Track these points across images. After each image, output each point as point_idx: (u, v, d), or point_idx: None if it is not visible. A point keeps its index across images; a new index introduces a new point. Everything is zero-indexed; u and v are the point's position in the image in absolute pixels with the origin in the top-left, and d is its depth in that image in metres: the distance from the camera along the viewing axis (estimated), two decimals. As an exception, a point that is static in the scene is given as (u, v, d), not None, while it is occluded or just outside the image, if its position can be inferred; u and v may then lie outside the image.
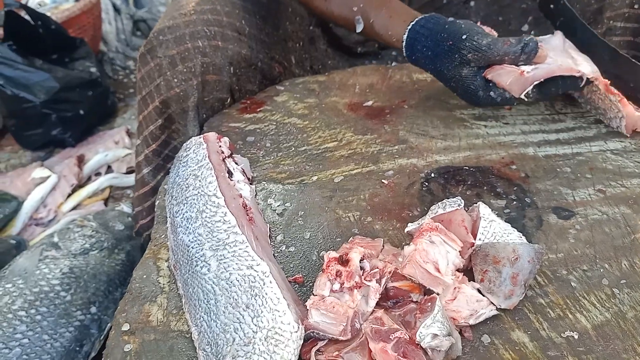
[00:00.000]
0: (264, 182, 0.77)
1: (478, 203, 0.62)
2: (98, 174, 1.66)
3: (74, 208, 1.52)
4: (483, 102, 0.75)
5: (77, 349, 1.06)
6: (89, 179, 1.62)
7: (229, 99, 0.92)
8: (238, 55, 0.92)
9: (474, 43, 0.72)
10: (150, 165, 1.00)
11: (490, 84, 0.73)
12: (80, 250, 1.21)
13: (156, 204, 0.77)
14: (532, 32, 1.06)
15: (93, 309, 1.12)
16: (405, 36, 0.81)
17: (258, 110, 0.92)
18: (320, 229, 0.68)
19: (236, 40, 0.92)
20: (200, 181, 0.69)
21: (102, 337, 1.10)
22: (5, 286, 1.11)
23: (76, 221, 1.29)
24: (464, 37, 0.74)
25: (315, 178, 0.76)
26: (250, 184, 0.76)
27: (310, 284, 0.61)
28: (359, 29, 0.87)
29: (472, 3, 1.10)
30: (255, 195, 0.74)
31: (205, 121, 0.93)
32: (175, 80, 0.89)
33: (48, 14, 1.95)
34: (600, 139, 0.76)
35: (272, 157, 0.81)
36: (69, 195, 1.54)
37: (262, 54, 0.97)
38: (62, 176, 1.58)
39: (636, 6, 0.97)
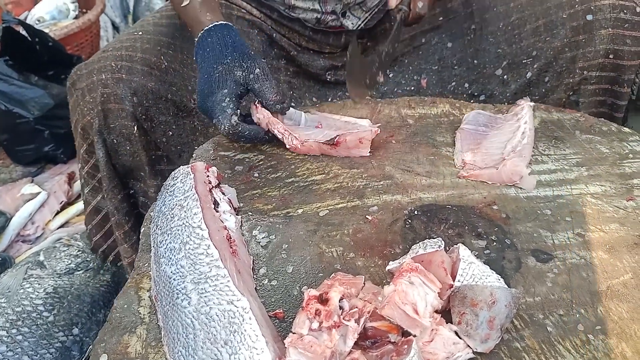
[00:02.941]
0: (250, 213, 0.77)
1: (458, 245, 0.63)
2: (88, 192, 1.66)
3: (62, 226, 1.52)
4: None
5: (57, 371, 1.05)
6: (78, 197, 1.62)
7: (135, 127, 1.01)
8: (144, 88, 1.00)
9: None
10: (89, 186, 1.13)
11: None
12: (66, 270, 1.21)
13: (141, 231, 0.77)
14: (506, 77, 1.08)
15: (75, 330, 1.12)
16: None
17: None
18: (303, 263, 0.68)
19: (144, 73, 1.00)
20: (185, 212, 0.69)
21: (83, 359, 1.09)
22: (-13, 305, 1.10)
23: (63, 240, 1.29)
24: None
25: (300, 211, 0.77)
26: (237, 214, 0.77)
27: (291, 320, 0.61)
28: (185, 3, 0.95)
29: (449, 44, 1.12)
30: (241, 226, 0.75)
31: (117, 146, 1.03)
32: (85, 109, 1.01)
33: (46, 30, 1.97)
34: (582, 182, 0.78)
35: (259, 188, 0.82)
36: (58, 212, 1.54)
37: (178, 87, 1.05)
38: (52, 193, 1.58)
39: (611, 56, 0.99)
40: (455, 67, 1.12)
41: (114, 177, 1.07)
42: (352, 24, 1.08)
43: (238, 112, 0.86)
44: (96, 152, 1.04)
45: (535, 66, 1.05)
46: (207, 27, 0.91)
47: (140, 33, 1.07)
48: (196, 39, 0.92)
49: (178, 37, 1.09)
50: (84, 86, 1.01)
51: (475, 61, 1.11)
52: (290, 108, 0.96)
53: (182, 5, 0.96)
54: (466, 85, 1.11)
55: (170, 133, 1.06)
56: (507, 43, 1.08)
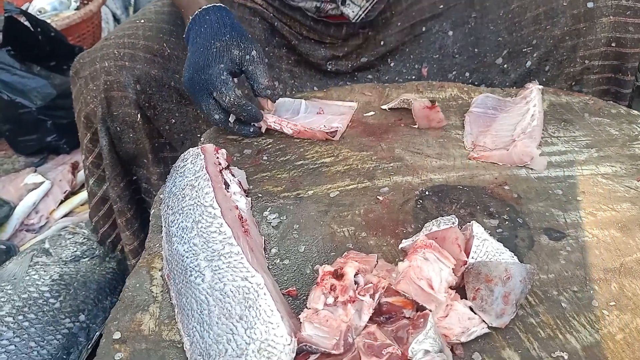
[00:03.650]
0: (260, 195, 0.77)
1: (471, 222, 0.62)
2: (92, 182, 1.65)
3: (66, 215, 1.51)
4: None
5: (64, 357, 1.05)
6: (82, 186, 1.62)
7: (138, 114, 1.00)
8: (146, 75, 0.99)
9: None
10: (94, 177, 1.12)
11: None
12: (71, 258, 1.21)
13: (151, 213, 0.77)
14: (506, 66, 1.08)
15: (82, 317, 1.11)
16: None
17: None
18: (315, 242, 0.68)
19: (147, 61, 1.00)
20: (197, 192, 0.69)
21: (89, 346, 1.09)
22: (-7, 291, 1.10)
23: (68, 228, 1.29)
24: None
25: (311, 192, 0.77)
26: (247, 196, 0.77)
27: (304, 297, 0.61)
28: None
29: (450, 33, 1.12)
30: (251, 207, 0.75)
31: (120, 134, 1.02)
32: (88, 97, 1.00)
33: (48, 21, 1.96)
34: (592, 163, 0.78)
35: (268, 170, 0.82)
36: (62, 202, 1.54)
37: (181, 74, 1.03)
38: (56, 182, 1.57)
39: (613, 44, 0.98)
40: (456, 56, 1.12)
41: (116, 164, 1.06)
42: (353, 12, 1.08)
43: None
44: (99, 140, 1.04)
45: (535, 55, 1.04)
46: (205, 7, 0.90)
47: (142, 21, 1.07)
48: (190, 17, 0.91)
49: (180, 25, 1.08)
50: (87, 74, 1.01)
51: (475, 50, 1.10)
52: (287, 99, 0.96)
53: None
54: (467, 74, 1.10)
55: (173, 121, 1.05)
56: (508, 31, 1.07)
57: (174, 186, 0.73)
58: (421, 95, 0.97)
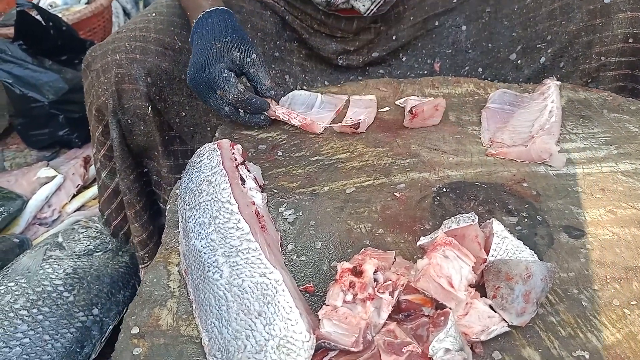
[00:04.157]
0: (276, 191, 0.77)
1: (491, 219, 0.62)
2: (104, 176, 1.66)
3: (79, 209, 1.52)
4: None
5: (78, 350, 1.06)
6: (94, 181, 1.63)
7: (149, 107, 1.00)
8: (157, 68, 1.00)
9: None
10: (106, 169, 1.12)
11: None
12: (85, 251, 1.21)
13: (167, 208, 0.77)
14: (520, 61, 1.06)
15: (95, 311, 1.12)
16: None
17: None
18: (332, 239, 0.68)
19: (158, 54, 1.00)
20: (213, 187, 0.69)
21: (103, 339, 1.10)
22: (7, 285, 1.11)
23: (81, 222, 1.30)
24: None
25: (326, 188, 0.76)
26: (262, 192, 0.76)
27: (321, 294, 0.61)
28: None
29: (463, 28, 1.11)
30: (267, 203, 0.75)
31: (131, 126, 1.02)
32: (100, 90, 1.00)
33: (59, 15, 1.97)
34: (611, 160, 0.77)
35: (283, 166, 0.82)
36: (74, 195, 1.55)
37: None
38: (68, 176, 1.58)
39: (631, 40, 0.96)
40: (469, 51, 1.11)
41: (127, 157, 1.07)
42: (364, 6, 1.07)
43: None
44: (110, 133, 1.04)
45: (549, 51, 1.03)
46: (207, 10, 0.92)
47: (154, 14, 1.07)
48: (194, 21, 0.93)
49: None
50: (98, 67, 1.01)
51: (489, 45, 1.09)
52: (303, 92, 0.95)
53: None
54: (480, 69, 1.09)
55: (184, 114, 1.05)
56: (522, 27, 1.06)
57: (190, 182, 0.73)
58: (437, 90, 0.96)
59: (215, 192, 0.68)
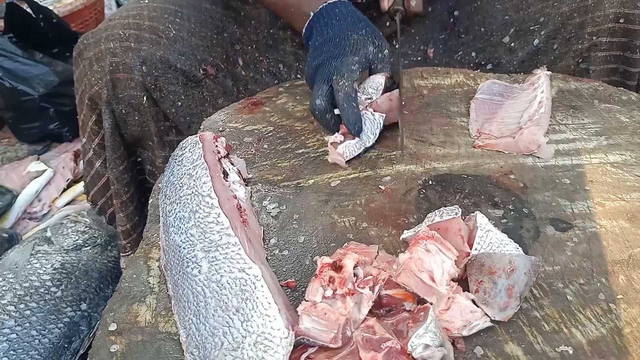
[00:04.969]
0: (260, 184, 0.76)
1: (475, 212, 0.61)
2: (95, 170, 1.64)
3: (69, 203, 1.51)
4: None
5: (66, 345, 1.05)
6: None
7: (144, 97, 0.98)
8: (152, 57, 0.97)
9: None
10: (100, 158, 1.10)
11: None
12: (73, 246, 1.20)
13: (149, 202, 0.76)
14: (513, 44, 1.05)
15: (83, 306, 1.11)
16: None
17: (257, 111, 0.92)
18: (315, 233, 0.67)
19: (153, 42, 0.98)
20: (194, 181, 0.68)
21: (91, 335, 1.09)
22: (-5, 280, 1.10)
23: (70, 216, 1.29)
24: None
25: (311, 181, 0.75)
26: (246, 185, 0.75)
27: (303, 289, 0.60)
28: None
29: (456, 13, 1.09)
30: (251, 197, 0.74)
31: (125, 116, 1.00)
32: (93, 79, 0.98)
33: (50, 7, 1.95)
34: (601, 151, 0.76)
35: (269, 159, 0.81)
36: (64, 190, 1.53)
37: (187, 56, 1.02)
38: (58, 170, 1.57)
39: (622, 20, 0.95)
40: (462, 36, 1.10)
41: (118, 147, 1.05)
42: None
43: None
44: (103, 122, 1.02)
45: (542, 33, 1.02)
46: (331, 1, 0.88)
47: (147, 1, 1.04)
48: (312, 12, 0.89)
49: (185, 5, 1.06)
50: (91, 55, 0.99)
51: (482, 29, 1.08)
52: (372, 77, 0.87)
53: None
54: (473, 54, 1.08)
55: (179, 103, 1.04)
56: (515, 9, 1.05)
57: (172, 175, 0.72)
58: (426, 81, 0.95)
59: (196, 186, 0.67)
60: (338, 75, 0.79)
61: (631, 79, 1.02)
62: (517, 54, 1.05)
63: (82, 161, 1.18)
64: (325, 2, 0.88)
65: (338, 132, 0.79)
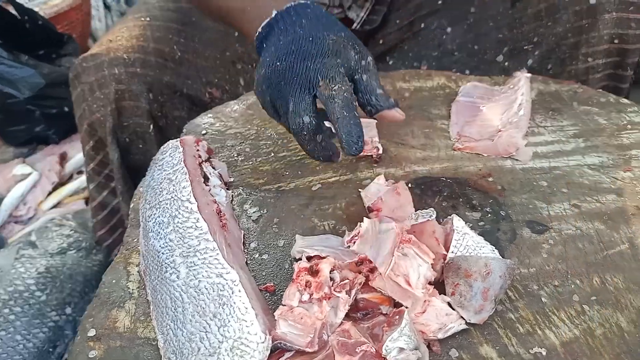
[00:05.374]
0: (241, 188, 0.76)
1: (452, 215, 0.61)
2: (80, 172, 1.64)
3: (55, 206, 1.50)
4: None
5: (50, 350, 1.05)
6: (70, 177, 1.61)
7: (151, 125, 0.94)
8: (159, 83, 0.93)
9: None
10: (94, 182, 1.06)
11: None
12: (58, 250, 1.20)
13: (130, 207, 0.76)
14: (507, 63, 1.05)
15: (68, 310, 1.11)
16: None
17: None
18: (295, 237, 0.67)
19: (159, 66, 0.94)
20: (174, 185, 0.68)
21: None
22: (-22, 285, 1.09)
23: (55, 220, 1.28)
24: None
25: (292, 185, 0.76)
26: (227, 189, 0.75)
27: (282, 293, 0.60)
28: None
29: (449, 29, 1.09)
30: (232, 200, 0.74)
31: (129, 145, 0.96)
32: (95, 105, 0.93)
33: (36, 9, 1.93)
34: (579, 153, 0.77)
35: (251, 162, 0.81)
36: (50, 193, 1.53)
37: (193, 79, 0.99)
38: (44, 173, 1.56)
39: (616, 41, 0.95)
40: (456, 53, 1.09)
41: (128, 178, 1.01)
42: (357, 15, 1.06)
43: None
44: (110, 154, 0.98)
45: (536, 53, 1.02)
46: (301, 1, 0.71)
47: (149, 19, 1.00)
48: (276, 11, 0.71)
49: (188, 24, 1.03)
50: (92, 80, 0.94)
51: (475, 47, 1.07)
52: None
53: None
54: (467, 72, 1.08)
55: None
56: (508, 28, 1.04)
57: (152, 180, 0.72)
58: (408, 83, 0.95)
59: (176, 191, 0.67)
60: (326, 79, 0.63)
61: (620, 93, 1.02)
62: (511, 74, 1.04)
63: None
64: (293, 2, 0.71)
65: (330, 159, 0.68)
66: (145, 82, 0.93)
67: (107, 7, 2.55)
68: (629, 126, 0.81)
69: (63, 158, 1.63)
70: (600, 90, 0.90)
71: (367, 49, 0.70)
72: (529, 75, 0.88)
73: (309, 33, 0.67)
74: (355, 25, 1.02)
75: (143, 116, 0.94)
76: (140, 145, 0.98)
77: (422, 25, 1.10)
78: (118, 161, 0.98)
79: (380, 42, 1.10)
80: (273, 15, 0.70)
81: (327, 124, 0.66)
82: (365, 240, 0.58)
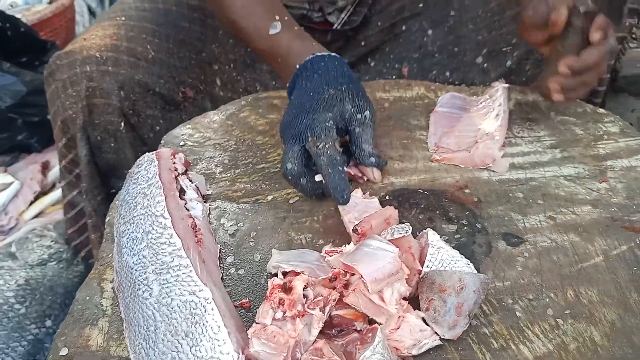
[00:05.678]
0: (219, 201, 0.75)
1: (427, 229, 0.61)
2: (63, 181, 1.62)
3: (37, 216, 1.48)
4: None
5: (30, 364, 1.04)
6: (53, 186, 1.59)
7: (122, 123, 0.95)
8: (131, 81, 0.94)
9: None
10: (65, 180, 1.08)
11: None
12: (38, 261, 1.18)
13: (106, 220, 0.75)
14: (486, 65, 1.06)
15: (48, 323, 1.09)
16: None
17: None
18: (271, 251, 0.67)
19: (132, 65, 0.95)
20: (148, 200, 0.67)
21: (56, 352, 1.07)
22: (-44, 299, 1.08)
23: (36, 230, 1.27)
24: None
25: (270, 197, 0.75)
26: (205, 202, 0.75)
27: (257, 309, 0.60)
28: (273, 32, 0.82)
29: (429, 32, 1.10)
30: (209, 214, 0.73)
31: (100, 143, 0.97)
32: (67, 102, 0.95)
33: (19, 15, 1.92)
34: (555, 164, 0.77)
35: (229, 174, 0.80)
36: (32, 202, 1.51)
37: (166, 78, 1.00)
38: (26, 182, 1.54)
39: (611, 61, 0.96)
40: (436, 55, 1.10)
41: (95, 176, 1.02)
42: (336, 18, 1.06)
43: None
44: (79, 150, 0.99)
45: (515, 54, 1.03)
46: (319, 54, 0.79)
47: (124, 19, 1.01)
48: (299, 65, 0.78)
49: (163, 24, 1.03)
50: (65, 77, 0.95)
51: (455, 49, 1.08)
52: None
53: (270, 34, 0.82)
54: (447, 73, 1.09)
55: (158, 128, 1.01)
56: (487, 30, 1.05)
57: (127, 194, 0.71)
58: (388, 93, 0.95)
59: (150, 205, 0.66)
60: (313, 136, 0.69)
61: (597, 96, 1.03)
62: (490, 75, 1.05)
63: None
64: (312, 54, 0.78)
65: (321, 197, 0.73)
66: (117, 80, 0.94)
67: (91, 13, 2.53)
68: (605, 136, 0.82)
69: (45, 167, 1.61)
70: (578, 100, 0.91)
71: (370, 103, 0.75)
72: (507, 85, 0.88)
73: (311, 88, 0.75)
74: (335, 25, 1.03)
75: (114, 114, 0.95)
76: (112, 144, 0.99)
77: (404, 27, 1.11)
78: (86, 158, 0.98)
79: (362, 43, 1.10)
80: (297, 68, 0.78)
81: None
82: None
